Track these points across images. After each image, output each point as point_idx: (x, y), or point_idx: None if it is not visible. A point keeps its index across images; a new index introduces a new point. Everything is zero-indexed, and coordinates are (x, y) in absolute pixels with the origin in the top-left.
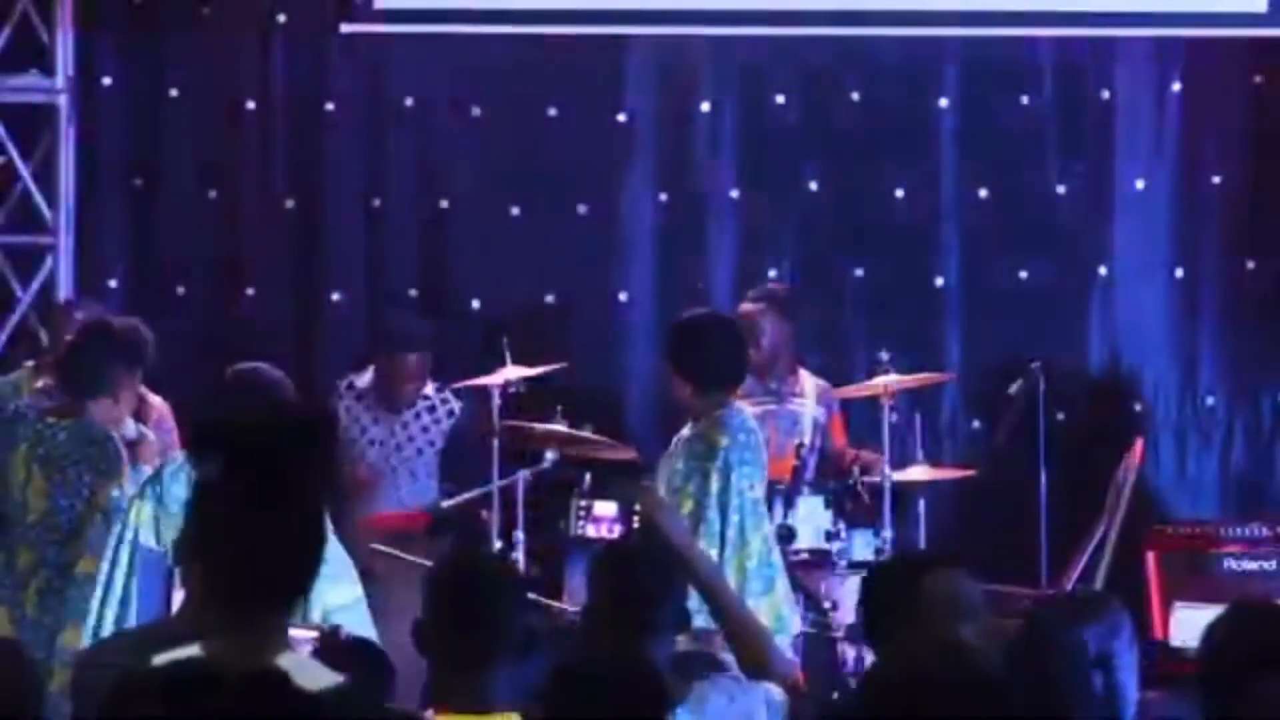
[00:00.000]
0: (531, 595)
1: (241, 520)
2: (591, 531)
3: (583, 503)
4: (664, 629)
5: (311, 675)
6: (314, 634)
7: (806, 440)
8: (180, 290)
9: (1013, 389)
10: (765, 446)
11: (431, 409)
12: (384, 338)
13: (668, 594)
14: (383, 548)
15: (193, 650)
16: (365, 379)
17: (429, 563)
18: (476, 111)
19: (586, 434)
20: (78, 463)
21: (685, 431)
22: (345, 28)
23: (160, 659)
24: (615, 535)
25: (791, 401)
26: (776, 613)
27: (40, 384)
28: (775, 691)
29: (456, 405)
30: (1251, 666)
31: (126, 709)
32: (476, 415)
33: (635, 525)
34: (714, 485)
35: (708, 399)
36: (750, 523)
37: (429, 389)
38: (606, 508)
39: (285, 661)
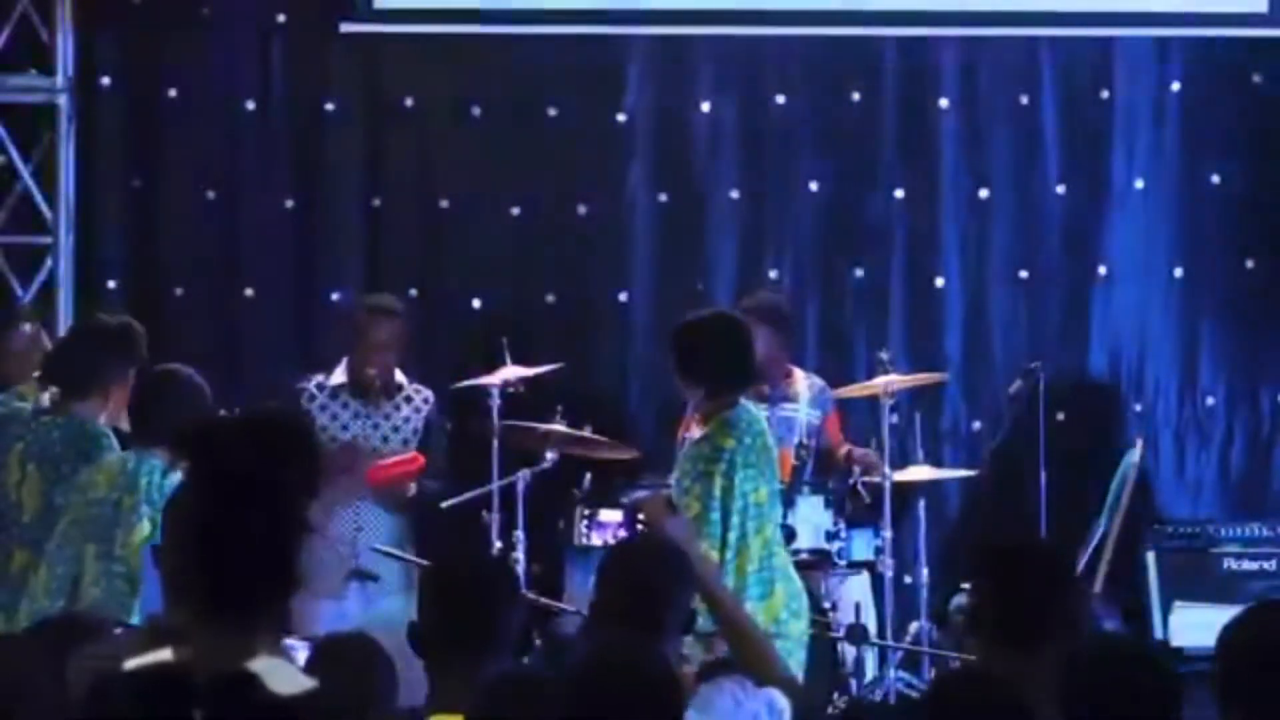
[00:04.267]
0: (531, 595)
1: (208, 521)
2: (596, 539)
3: (585, 510)
4: (671, 629)
5: (286, 679)
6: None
7: (796, 442)
8: (180, 290)
9: (1013, 389)
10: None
11: (409, 399)
12: (357, 310)
13: (676, 594)
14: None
15: (165, 654)
16: (337, 376)
17: (427, 562)
18: (476, 111)
19: (586, 434)
20: (72, 461)
21: (694, 432)
22: (345, 28)
23: (132, 663)
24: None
25: (784, 407)
26: (775, 617)
27: (49, 395)
28: (779, 697)
29: (430, 394)
30: (1270, 669)
31: (100, 712)
32: (476, 415)
33: (639, 530)
34: (717, 488)
35: (715, 400)
36: (751, 526)
37: (401, 378)
38: (611, 514)
39: (259, 665)
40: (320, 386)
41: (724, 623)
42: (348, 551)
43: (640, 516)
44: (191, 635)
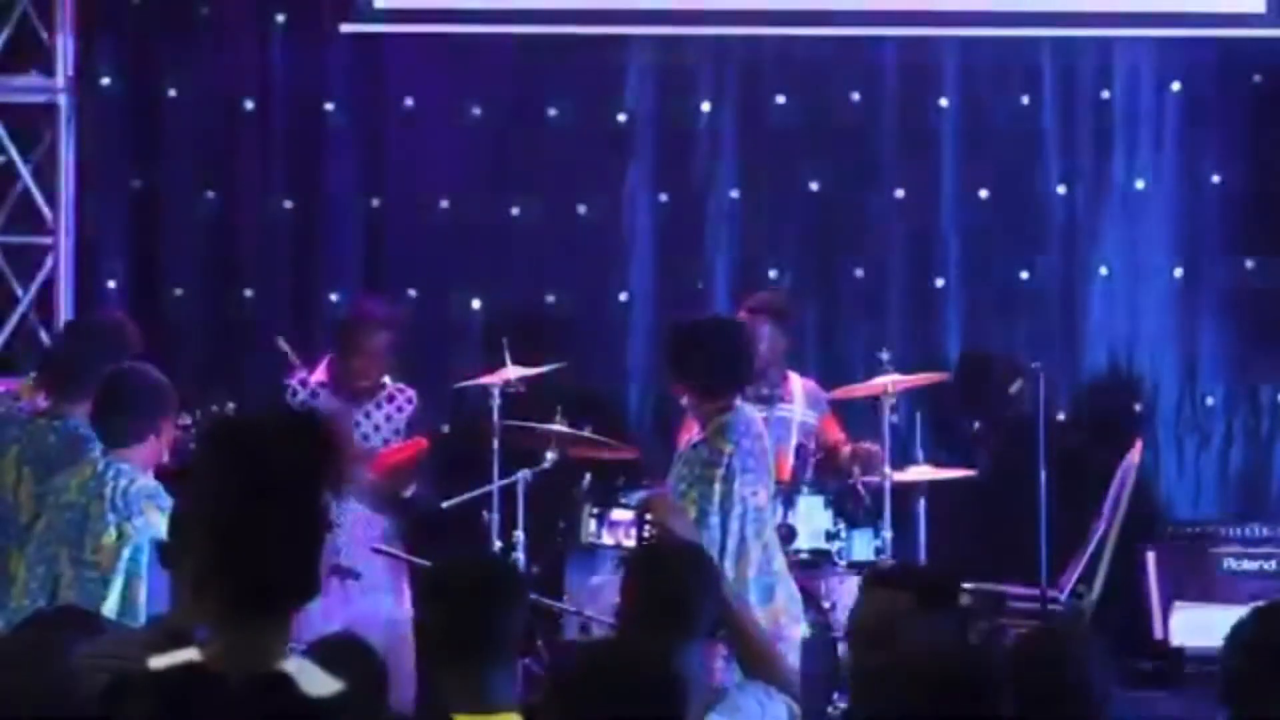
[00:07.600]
0: (531, 595)
1: (239, 521)
2: (608, 538)
3: (594, 509)
4: (698, 634)
5: (315, 680)
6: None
7: (794, 443)
8: (179, 291)
9: (1013, 389)
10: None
11: (391, 398)
12: (352, 318)
13: (704, 599)
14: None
15: (191, 653)
16: (318, 374)
17: (428, 562)
18: (476, 111)
19: (586, 434)
20: (68, 463)
21: (692, 435)
22: (345, 28)
23: (157, 661)
24: (630, 541)
25: (781, 407)
26: (775, 621)
27: (43, 399)
28: (792, 704)
29: (413, 393)
30: (1275, 670)
31: (120, 712)
32: (477, 415)
33: (647, 531)
34: (717, 492)
35: (712, 403)
36: (751, 530)
37: (384, 377)
38: (621, 513)
39: (288, 665)
40: (303, 383)
41: (732, 626)
42: (328, 548)
43: (648, 515)
44: (217, 635)
